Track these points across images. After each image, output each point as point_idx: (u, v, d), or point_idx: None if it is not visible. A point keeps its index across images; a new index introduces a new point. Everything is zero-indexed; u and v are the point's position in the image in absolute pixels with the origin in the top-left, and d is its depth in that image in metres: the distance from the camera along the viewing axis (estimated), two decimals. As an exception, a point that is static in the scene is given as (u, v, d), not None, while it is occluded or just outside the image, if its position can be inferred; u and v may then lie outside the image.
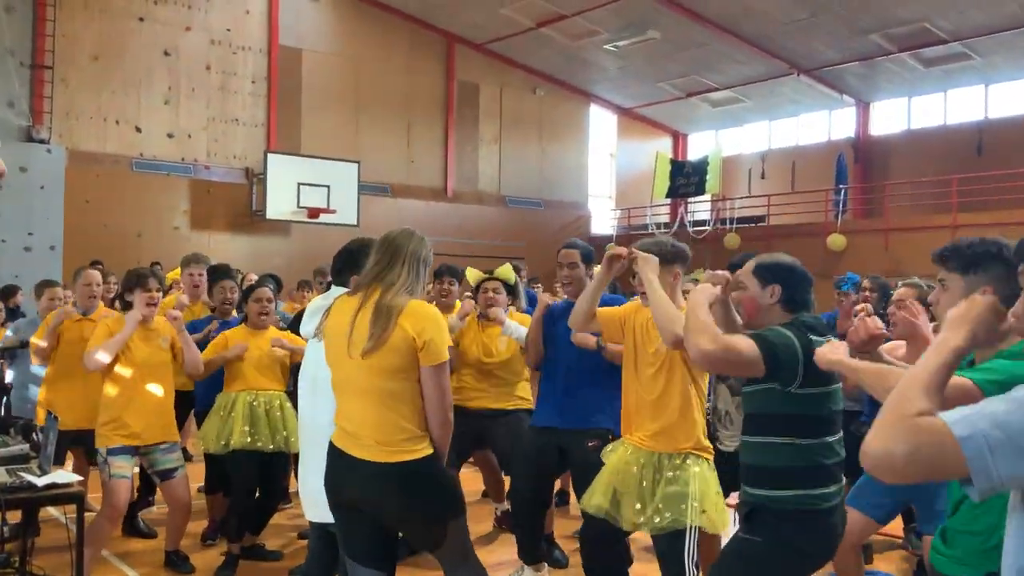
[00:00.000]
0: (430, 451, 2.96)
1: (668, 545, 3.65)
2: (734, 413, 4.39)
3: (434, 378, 2.93)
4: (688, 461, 3.63)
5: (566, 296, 4.66)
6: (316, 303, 3.42)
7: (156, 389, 4.80)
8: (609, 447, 3.94)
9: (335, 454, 3.06)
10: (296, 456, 6.12)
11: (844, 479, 2.98)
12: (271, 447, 5.12)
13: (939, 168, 18.02)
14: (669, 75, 20.56)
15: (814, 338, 2.83)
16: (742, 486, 3.04)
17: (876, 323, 2.62)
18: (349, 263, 3.43)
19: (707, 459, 3.72)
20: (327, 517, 3.38)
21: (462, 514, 3.08)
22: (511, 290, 5.40)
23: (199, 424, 5.58)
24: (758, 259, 3.10)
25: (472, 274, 5.59)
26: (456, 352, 5.19)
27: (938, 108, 19.57)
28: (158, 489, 5.22)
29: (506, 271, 5.40)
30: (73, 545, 3.94)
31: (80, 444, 5.24)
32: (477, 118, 20.51)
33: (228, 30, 17.20)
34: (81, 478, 4.37)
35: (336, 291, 3.43)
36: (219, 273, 5.90)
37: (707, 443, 3.76)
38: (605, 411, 4.35)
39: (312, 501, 3.48)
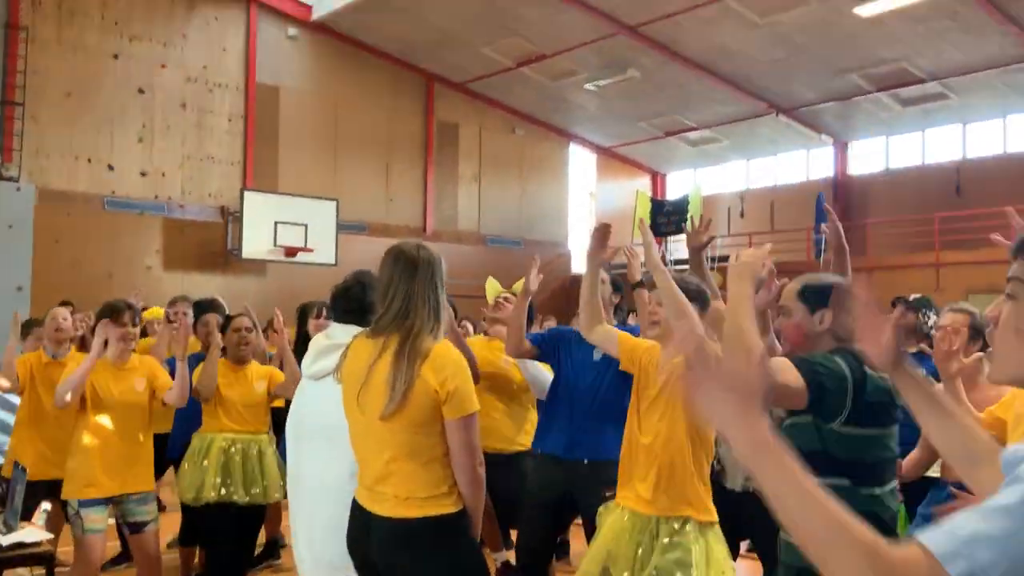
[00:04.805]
0: (457, 508, 2.66)
1: None
2: None
3: (460, 432, 2.63)
4: (688, 527, 3.29)
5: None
6: (320, 342, 3.11)
7: (131, 435, 4.41)
8: (602, 507, 3.61)
9: (355, 510, 2.77)
10: (278, 506, 5.84)
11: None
12: (246, 499, 4.75)
13: (917, 207, 18.08)
14: (648, 114, 20.57)
15: (871, 373, 2.47)
16: (782, 533, 2.71)
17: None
18: (355, 302, 3.12)
19: (711, 525, 3.35)
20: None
21: None
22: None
23: (176, 469, 5.22)
24: (804, 280, 2.73)
25: (492, 287, 5.29)
26: None
27: (916, 147, 19.68)
28: None
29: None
30: (42, 610, 3.57)
31: (54, 495, 4.85)
32: (456, 157, 20.36)
33: (204, 67, 16.97)
34: (51, 536, 4.00)
35: (337, 328, 3.13)
36: (202, 307, 5.56)
37: (711, 508, 3.40)
38: (615, 441, 4.04)
39: (298, 560, 3.17)
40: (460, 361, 2.66)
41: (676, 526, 3.28)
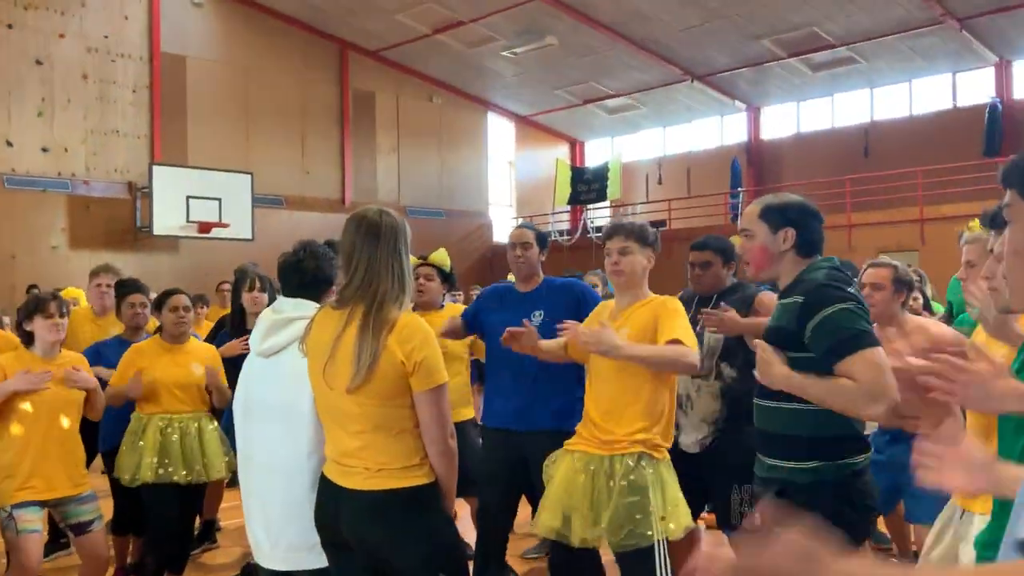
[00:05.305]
0: (429, 480, 2.59)
1: (632, 562, 3.27)
2: (694, 397, 4.03)
3: (430, 403, 2.54)
4: (643, 463, 3.24)
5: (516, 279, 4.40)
6: (269, 317, 2.95)
7: (62, 435, 4.14)
8: (552, 458, 3.54)
9: (324, 485, 2.66)
10: (220, 488, 5.65)
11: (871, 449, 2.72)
12: (188, 479, 4.57)
13: (828, 170, 18.53)
14: (565, 82, 20.54)
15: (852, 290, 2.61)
16: (759, 458, 2.73)
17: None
18: (309, 275, 2.98)
19: (661, 459, 3.32)
20: (272, 564, 2.96)
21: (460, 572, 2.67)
22: (446, 277, 5.02)
23: (107, 463, 4.97)
24: (764, 201, 2.78)
25: None
26: None
27: (826, 112, 20.15)
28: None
29: (441, 256, 5.01)
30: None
31: None
32: (374, 127, 20.00)
33: (105, 37, 16.21)
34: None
35: (287, 303, 2.99)
36: (127, 287, 5.26)
37: (663, 444, 3.36)
38: (567, 409, 3.95)
39: (254, 544, 3.04)
40: (427, 331, 2.57)
41: (631, 463, 3.23)
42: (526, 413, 4.08)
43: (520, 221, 22.32)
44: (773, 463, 2.64)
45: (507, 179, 23.35)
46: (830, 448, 2.54)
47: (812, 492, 2.53)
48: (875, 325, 3.97)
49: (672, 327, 3.28)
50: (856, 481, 2.58)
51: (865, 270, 4.12)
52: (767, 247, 2.69)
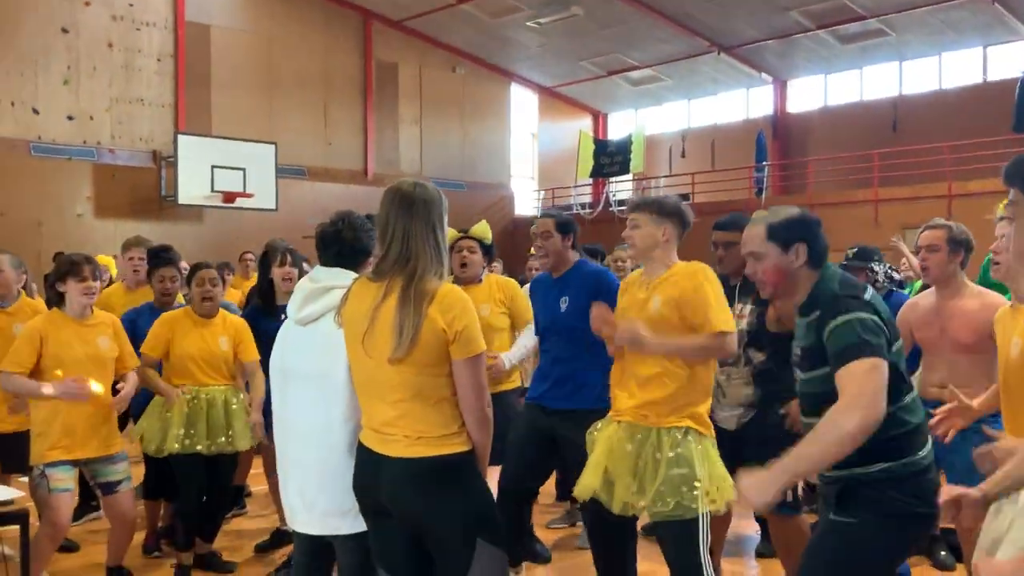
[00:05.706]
0: (467, 447, 2.64)
1: (675, 534, 3.29)
2: (725, 385, 4.02)
3: (468, 372, 2.59)
4: (690, 437, 3.26)
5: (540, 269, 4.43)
6: (306, 286, 2.98)
7: (95, 397, 4.14)
8: (597, 426, 3.54)
9: (362, 453, 2.71)
10: (249, 455, 5.71)
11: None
12: (213, 449, 4.63)
13: (855, 144, 18.33)
14: (590, 53, 20.38)
15: (874, 293, 2.58)
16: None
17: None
18: (347, 246, 3.01)
19: (707, 435, 3.34)
20: (307, 528, 3.00)
21: (500, 543, 2.68)
22: (487, 250, 5.02)
23: (135, 422, 5.05)
24: (765, 221, 2.69)
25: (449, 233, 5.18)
26: None
27: (854, 85, 19.90)
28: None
29: (482, 229, 4.99)
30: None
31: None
32: (396, 98, 19.94)
33: (131, 5, 16.24)
34: (23, 493, 3.80)
35: (323, 272, 3.01)
36: (160, 259, 5.26)
37: (708, 420, 3.39)
38: (601, 390, 3.90)
39: (289, 509, 3.09)
40: (467, 300, 2.61)
41: (679, 436, 3.25)
42: (560, 392, 4.12)
43: (541, 195, 22.31)
44: (833, 471, 2.58)
45: (529, 151, 23.27)
46: (891, 447, 2.49)
47: (878, 487, 2.51)
48: (932, 288, 4.01)
49: (712, 319, 3.25)
50: (921, 479, 2.55)
51: (921, 233, 4.12)
52: (781, 266, 2.66)
